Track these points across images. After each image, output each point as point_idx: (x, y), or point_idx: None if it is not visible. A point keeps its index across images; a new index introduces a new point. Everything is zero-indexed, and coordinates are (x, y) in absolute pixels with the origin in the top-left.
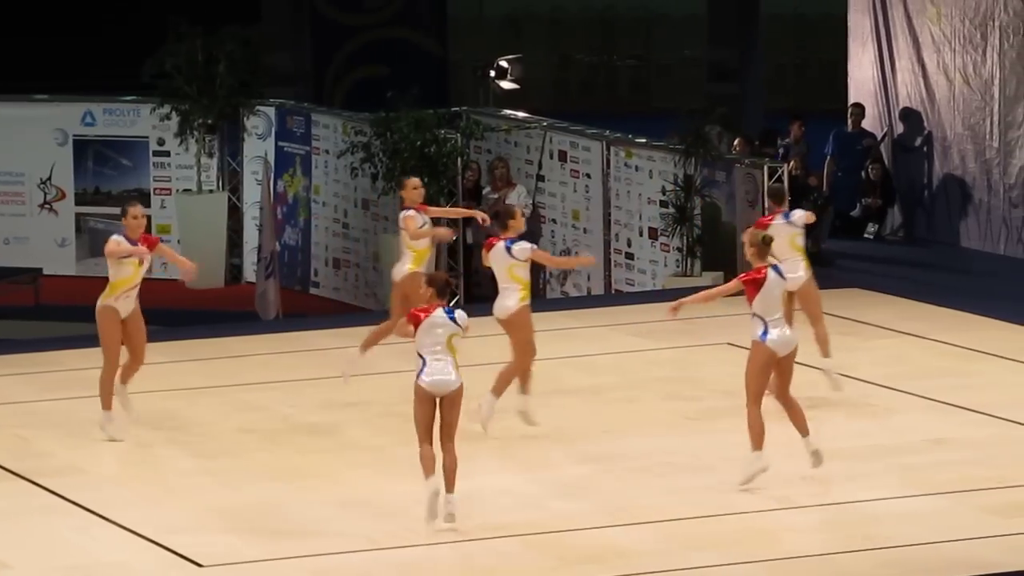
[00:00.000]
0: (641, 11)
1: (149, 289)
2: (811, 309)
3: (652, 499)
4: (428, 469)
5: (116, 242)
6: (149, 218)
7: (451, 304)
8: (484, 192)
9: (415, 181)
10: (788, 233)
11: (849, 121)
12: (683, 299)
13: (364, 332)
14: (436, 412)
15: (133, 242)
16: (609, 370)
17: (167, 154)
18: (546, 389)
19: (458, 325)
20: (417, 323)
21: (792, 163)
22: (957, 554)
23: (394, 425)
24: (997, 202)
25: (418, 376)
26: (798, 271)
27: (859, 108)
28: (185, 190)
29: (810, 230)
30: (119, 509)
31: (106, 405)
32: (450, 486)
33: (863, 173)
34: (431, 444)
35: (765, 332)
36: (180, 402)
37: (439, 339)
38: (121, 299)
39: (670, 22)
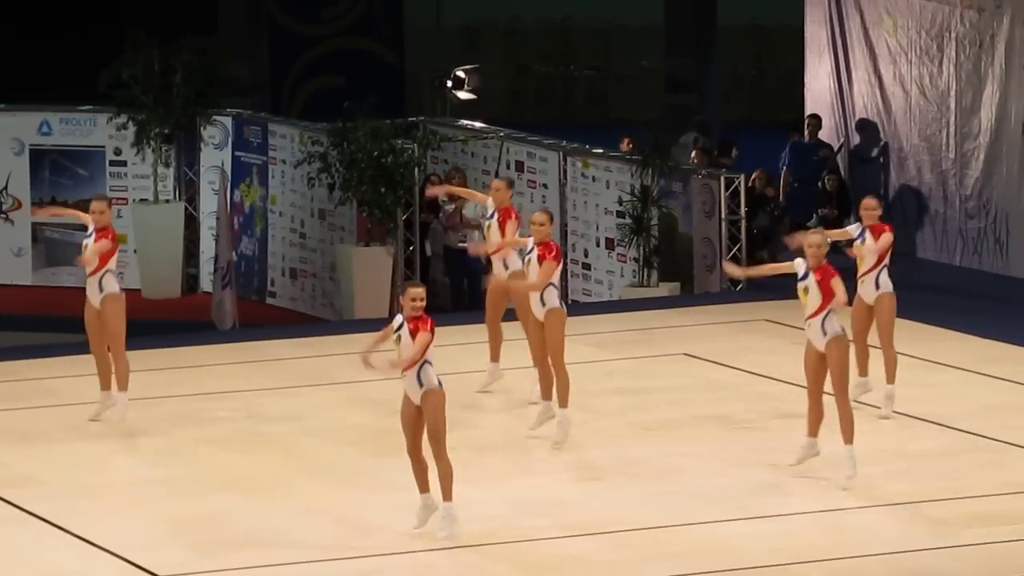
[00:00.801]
0: (599, 22)
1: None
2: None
3: (609, 510)
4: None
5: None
6: None
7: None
8: (441, 201)
9: (496, 183)
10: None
11: (806, 132)
12: (749, 268)
13: (318, 343)
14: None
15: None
16: None
17: (124, 164)
18: (502, 400)
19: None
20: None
21: (756, 174)
22: (912, 564)
23: (351, 435)
24: (953, 213)
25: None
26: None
27: (816, 119)
28: (141, 200)
29: (766, 242)
30: (76, 520)
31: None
32: (447, 494)
33: (819, 184)
34: (419, 454)
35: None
36: (136, 412)
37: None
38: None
39: (627, 33)
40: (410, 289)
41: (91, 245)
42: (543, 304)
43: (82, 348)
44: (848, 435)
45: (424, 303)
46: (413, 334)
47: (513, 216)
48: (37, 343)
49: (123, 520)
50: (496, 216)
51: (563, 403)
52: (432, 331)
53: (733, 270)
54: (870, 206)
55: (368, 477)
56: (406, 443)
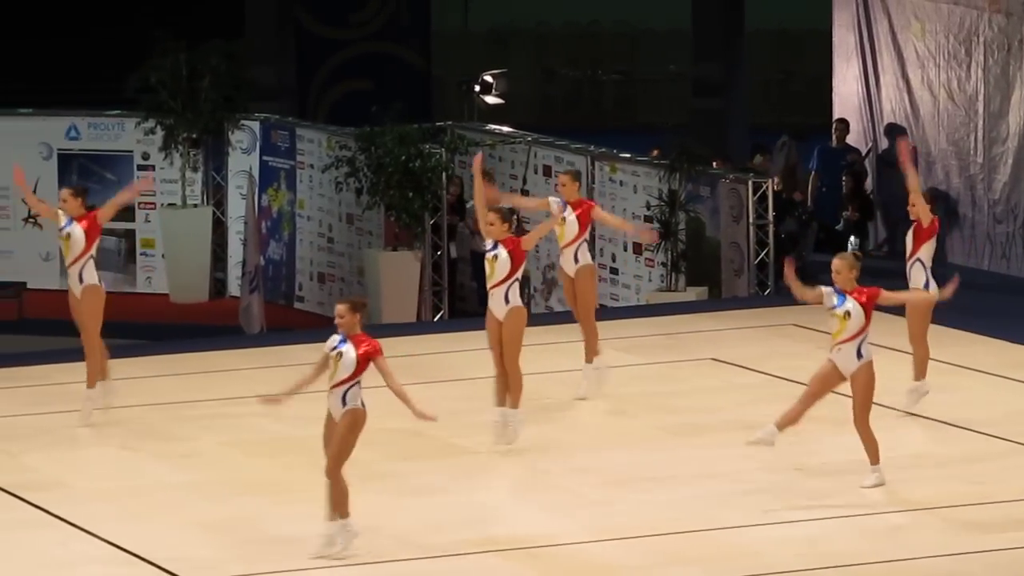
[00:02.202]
0: (626, 26)
1: (134, 303)
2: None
3: (635, 514)
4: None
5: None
6: (133, 232)
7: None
8: (468, 206)
9: (561, 178)
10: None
11: (833, 136)
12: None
13: None
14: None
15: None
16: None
17: (152, 168)
18: (530, 404)
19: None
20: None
21: (776, 179)
22: (940, 569)
23: (378, 439)
24: (981, 217)
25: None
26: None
27: (843, 124)
28: (169, 204)
29: (794, 245)
30: (103, 523)
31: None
32: (339, 512)
33: (842, 186)
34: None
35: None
36: (164, 416)
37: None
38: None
39: (655, 37)
40: (336, 306)
41: (76, 229)
42: (507, 302)
43: (110, 352)
44: (875, 457)
45: (344, 319)
46: (360, 357)
47: (590, 206)
48: (64, 347)
49: (150, 524)
50: (572, 211)
51: (515, 404)
52: (381, 353)
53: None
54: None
55: (395, 481)
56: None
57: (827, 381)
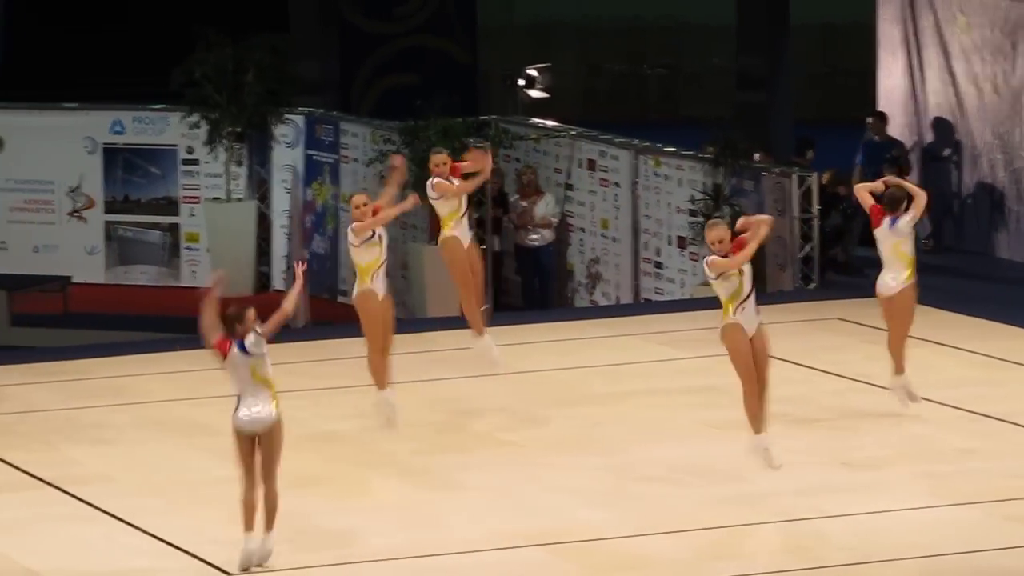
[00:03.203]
0: (670, 20)
1: (178, 296)
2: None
3: (678, 508)
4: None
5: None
6: (178, 226)
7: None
8: (512, 200)
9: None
10: (892, 241)
11: (870, 130)
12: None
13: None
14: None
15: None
16: (637, 379)
17: (196, 162)
18: (573, 398)
19: (250, 354)
20: (224, 357)
21: (827, 175)
22: (984, 563)
23: (422, 433)
24: None
25: (233, 414)
26: (900, 279)
27: (881, 116)
28: (214, 198)
29: (839, 239)
30: (148, 517)
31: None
32: (269, 524)
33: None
34: (253, 489)
35: None
36: (209, 410)
37: (245, 376)
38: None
39: (699, 31)
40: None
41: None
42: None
43: (153, 346)
44: None
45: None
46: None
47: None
48: (109, 341)
49: (196, 518)
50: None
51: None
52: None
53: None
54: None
55: (436, 475)
56: (242, 477)
57: (747, 352)
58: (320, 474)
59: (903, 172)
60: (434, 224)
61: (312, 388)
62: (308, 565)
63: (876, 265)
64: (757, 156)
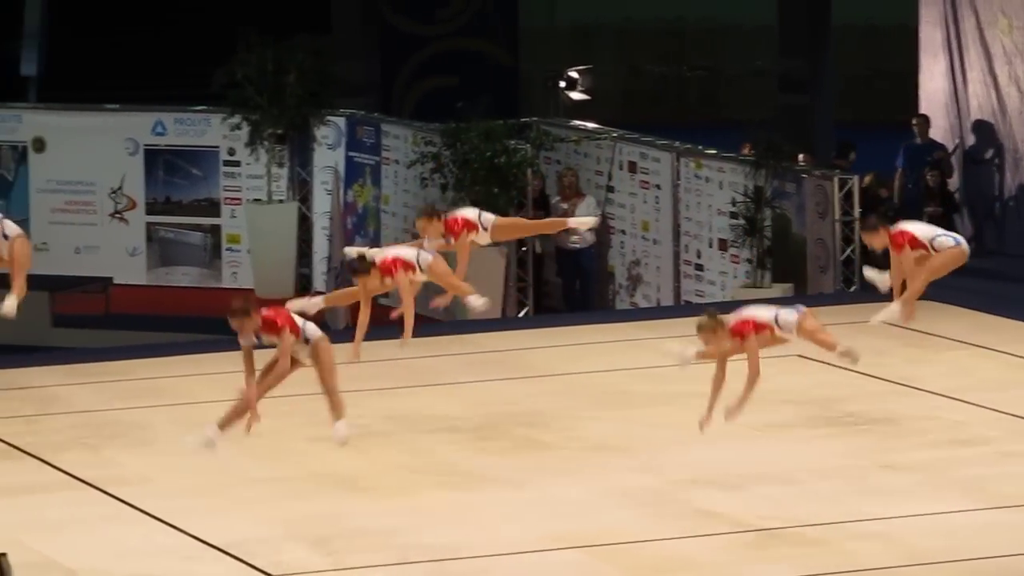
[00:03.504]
0: (711, 22)
1: (220, 298)
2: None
3: (721, 510)
4: None
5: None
6: (219, 227)
7: None
8: (553, 202)
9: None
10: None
11: (915, 132)
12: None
13: (431, 343)
14: None
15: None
16: (678, 381)
17: (237, 164)
18: (614, 400)
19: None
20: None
21: (868, 177)
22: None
23: (461, 435)
24: None
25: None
26: None
27: (924, 119)
28: (255, 200)
29: None
30: (188, 518)
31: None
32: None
33: (922, 182)
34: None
35: None
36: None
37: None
38: None
39: (740, 33)
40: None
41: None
42: None
43: (195, 347)
44: None
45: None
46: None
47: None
48: (150, 342)
49: (236, 519)
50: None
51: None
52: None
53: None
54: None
55: (476, 477)
56: None
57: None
58: (362, 475)
59: (944, 175)
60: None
61: (353, 389)
62: (351, 567)
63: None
64: (801, 158)
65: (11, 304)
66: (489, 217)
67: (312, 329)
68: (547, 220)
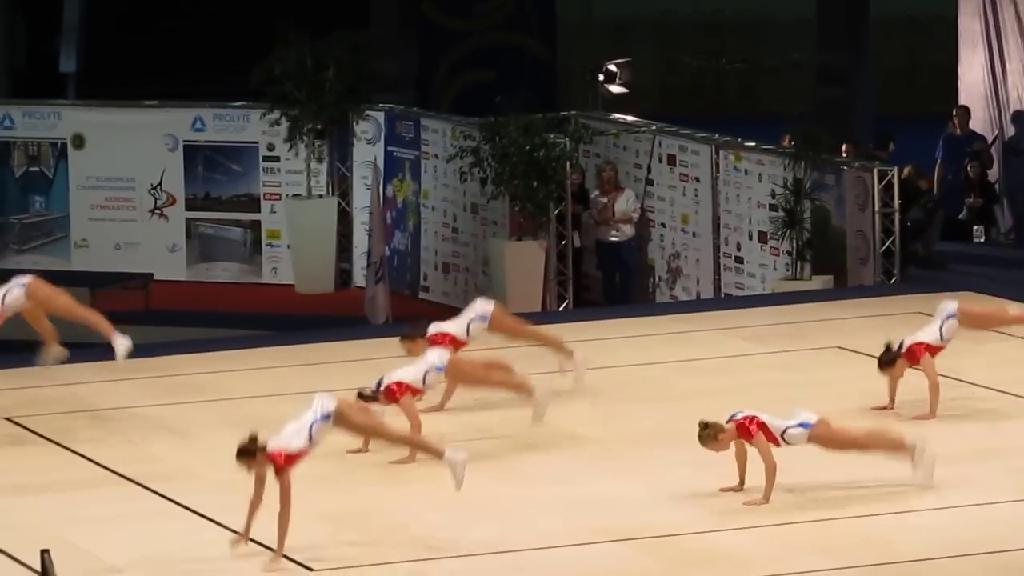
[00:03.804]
0: (749, 14)
1: (260, 293)
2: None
3: (761, 504)
4: None
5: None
6: (259, 222)
7: None
8: (592, 196)
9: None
10: None
11: (955, 124)
12: None
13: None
14: None
15: None
16: (718, 374)
17: (277, 159)
18: (654, 393)
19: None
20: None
21: (908, 169)
22: None
23: (503, 429)
24: None
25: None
26: None
27: (964, 110)
28: (295, 195)
29: (920, 233)
30: (229, 513)
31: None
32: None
33: (962, 173)
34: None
35: None
36: (290, 406)
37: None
38: None
39: (778, 25)
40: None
41: None
42: None
43: (235, 343)
44: None
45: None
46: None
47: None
48: (190, 338)
49: (276, 514)
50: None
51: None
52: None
53: None
54: None
55: (520, 471)
56: None
57: None
58: (401, 469)
59: (984, 166)
60: (514, 220)
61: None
62: (391, 560)
63: (956, 259)
64: (845, 147)
65: (123, 344)
66: (480, 321)
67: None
68: (547, 336)
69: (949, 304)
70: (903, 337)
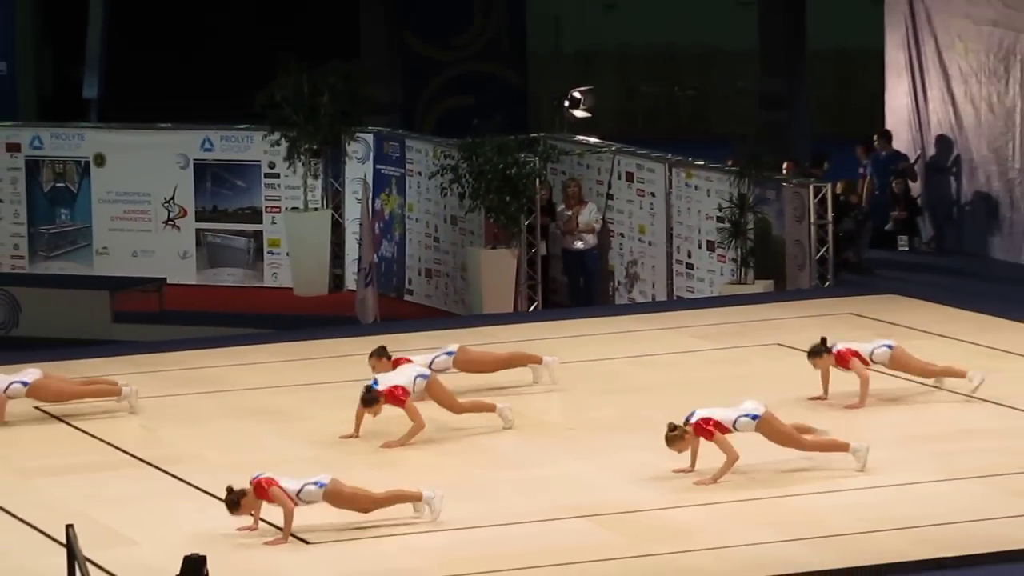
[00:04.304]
0: (700, 47)
1: (261, 296)
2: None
3: (712, 484)
4: None
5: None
6: (261, 232)
7: None
8: (559, 209)
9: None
10: None
11: (876, 144)
12: None
13: (451, 335)
14: None
15: None
16: (671, 367)
17: (277, 176)
18: (617, 385)
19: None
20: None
21: (841, 184)
22: (986, 532)
23: (483, 417)
24: (1019, 217)
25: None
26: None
27: (885, 133)
28: (293, 208)
29: (851, 242)
30: None
31: None
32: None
33: (888, 189)
34: None
35: None
36: (288, 398)
37: None
38: None
39: (726, 56)
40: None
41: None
42: None
43: (240, 340)
44: None
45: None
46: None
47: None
48: (200, 336)
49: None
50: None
51: None
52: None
53: None
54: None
55: (493, 454)
56: None
57: None
58: (387, 454)
59: (909, 182)
60: (489, 230)
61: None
62: (384, 535)
63: (883, 266)
64: (786, 164)
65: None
66: (446, 356)
67: (308, 491)
68: (511, 356)
69: (888, 341)
70: (837, 342)
